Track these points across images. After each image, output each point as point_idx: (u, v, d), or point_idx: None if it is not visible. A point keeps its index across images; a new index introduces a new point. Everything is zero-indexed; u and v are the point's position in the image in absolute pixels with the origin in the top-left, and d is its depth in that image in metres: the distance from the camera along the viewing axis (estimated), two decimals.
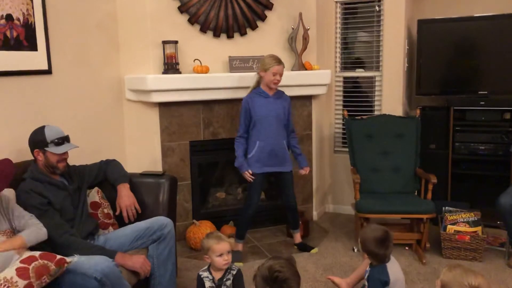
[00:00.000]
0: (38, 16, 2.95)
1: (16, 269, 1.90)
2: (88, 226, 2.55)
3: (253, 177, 3.33)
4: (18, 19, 2.83)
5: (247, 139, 3.38)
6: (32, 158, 2.50)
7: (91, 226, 2.57)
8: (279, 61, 3.26)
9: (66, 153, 2.50)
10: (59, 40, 3.12)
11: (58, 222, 2.33)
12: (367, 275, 2.43)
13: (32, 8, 2.90)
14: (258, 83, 3.38)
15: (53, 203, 2.39)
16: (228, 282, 2.35)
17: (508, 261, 3.30)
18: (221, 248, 2.32)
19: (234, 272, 2.37)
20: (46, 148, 2.43)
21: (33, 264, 1.95)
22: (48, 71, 3.05)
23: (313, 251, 3.58)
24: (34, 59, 2.95)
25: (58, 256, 2.05)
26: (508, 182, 3.82)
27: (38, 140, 2.45)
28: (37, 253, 2.02)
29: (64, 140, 2.49)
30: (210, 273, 2.38)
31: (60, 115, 3.15)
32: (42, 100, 3.02)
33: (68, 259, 2.09)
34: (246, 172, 3.33)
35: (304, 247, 3.62)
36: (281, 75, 3.29)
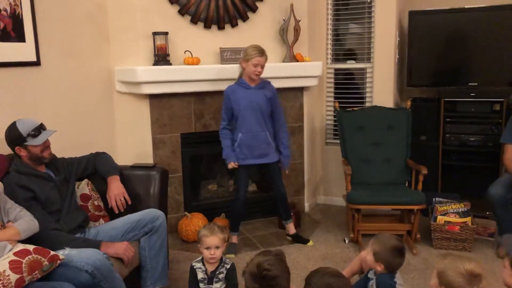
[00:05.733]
0: (26, 7, 2.90)
1: (9, 262, 1.88)
2: (76, 218, 2.53)
3: (236, 167, 3.33)
4: (5, 10, 2.78)
5: (231, 130, 3.38)
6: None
7: (80, 218, 2.55)
8: (261, 53, 3.21)
9: (47, 140, 2.47)
10: (47, 31, 3.08)
11: (41, 217, 2.29)
12: (371, 282, 2.39)
13: None
14: (241, 73, 3.35)
15: (37, 194, 2.36)
16: (221, 275, 2.35)
17: (497, 251, 3.33)
18: (209, 241, 2.31)
19: (228, 266, 2.37)
20: (25, 143, 2.40)
21: (26, 259, 1.93)
22: (37, 63, 3.01)
23: (309, 244, 3.59)
24: (22, 51, 2.90)
25: (52, 252, 2.04)
26: (498, 173, 3.85)
27: (14, 137, 2.41)
28: (31, 247, 2.00)
29: (40, 129, 2.45)
30: (203, 265, 2.37)
31: (49, 107, 3.11)
32: (30, 92, 2.99)
33: (60, 255, 2.07)
34: (231, 163, 3.34)
35: (298, 239, 3.62)
36: (262, 66, 3.24)
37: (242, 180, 3.41)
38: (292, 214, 3.76)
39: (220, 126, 3.40)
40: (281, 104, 3.98)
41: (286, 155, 3.44)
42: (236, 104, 3.28)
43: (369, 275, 2.35)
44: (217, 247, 2.32)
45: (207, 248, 2.31)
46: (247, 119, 3.29)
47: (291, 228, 3.64)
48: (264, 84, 3.36)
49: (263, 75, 3.73)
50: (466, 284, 1.79)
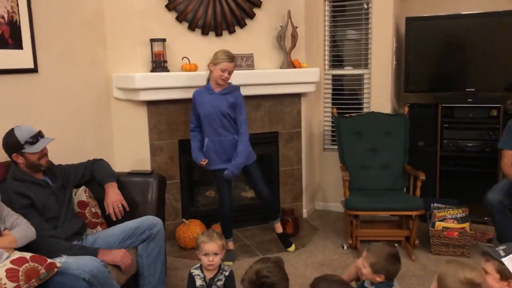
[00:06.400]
0: (23, 14, 2.90)
1: (6, 270, 1.87)
2: (73, 225, 2.52)
3: (205, 162, 3.29)
4: (3, 17, 2.78)
5: (200, 131, 3.36)
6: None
7: (77, 225, 2.54)
8: (231, 58, 3.16)
9: (45, 148, 2.47)
10: (45, 38, 3.08)
11: (38, 225, 2.27)
12: None
13: (17, 5, 2.86)
14: (209, 77, 3.29)
15: (35, 201, 2.36)
16: (220, 283, 2.33)
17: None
18: (207, 248, 2.30)
19: (227, 274, 2.36)
20: (23, 150, 2.40)
21: (23, 267, 1.92)
22: (34, 70, 3.01)
23: (289, 249, 3.57)
24: (19, 58, 2.90)
25: (49, 260, 2.02)
26: (495, 178, 3.86)
27: (12, 144, 2.40)
28: (28, 255, 1.99)
29: (37, 136, 2.45)
30: (202, 272, 2.36)
31: (46, 114, 3.11)
32: (28, 99, 2.98)
33: (57, 263, 2.06)
34: (201, 162, 3.30)
35: (283, 240, 3.59)
36: (230, 72, 3.18)
37: (224, 186, 3.35)
38: (290, 220, 3.77)
39: (190, 128, 3.39)
40: (279, 111, 4.01)
41: (233, 164, 3.25)
42: (200, 109, 3.25)
43: (365, 284, 2.34)
44: (216, 254, 2.31)
45: (206, 254, 2.30)
46: (211, 124, 3.25)
47: (278, 227, 3.59)
48: (231, 90, 3.26)
49: (260, 81, 3.74)
50: None
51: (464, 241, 3.36)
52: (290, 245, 3.59)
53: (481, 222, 3.84)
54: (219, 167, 3.32)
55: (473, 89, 4.01)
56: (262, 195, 3.45)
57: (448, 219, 3.44)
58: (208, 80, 3.30)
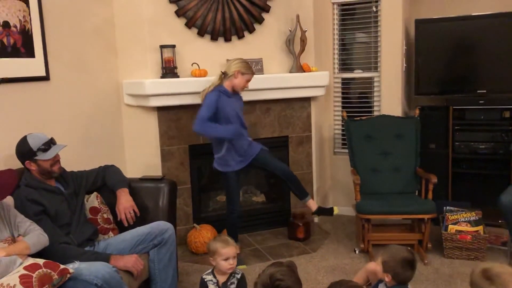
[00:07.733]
0: (35, 23, 2.95)
1: (20, 276, 1.89)
2: (86, 231, 2.54)
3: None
4: (15, 26, 2.82)
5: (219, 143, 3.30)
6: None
7: (89, 231, 2.56)
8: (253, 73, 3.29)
9: (57, 155, 2.50)
10: (56, 46, 3.12)
11: (50, 231, 2.30)
12: None
13: (29, 14, 2.90)
14: (221, 81, 3.25)
15: (47, 208, 2.38)
16: (232, 286, 2.34)
17: (510, 260, 3.29)
18: (227, 252, 2.31)
19: (239, 277, 2.37)
20: (35, 158, 2.43)
21: (36, 273, 1.94)
22: (46, 78, 3.05)
23: (335, 212, 3.45)
24: (31, 66, 2.94)
25: (62, 266, 2.04)
26: (509, 180, 3.81)
27: (25, 151, 2.44)
28: (41, 261, 2.01)
29: (50, 143, 2.48)
30: (214, 277, 2.37)
31: (58, 121, 3.14)
32: (40, 106, 3.02)
33: (70, 269, 2.08)
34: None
35: (323, 212, 3.50)
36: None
37: (235, 189, 3.33)
38: (301, 224, 3.76)
39: (200, 120, 3.09)
40: (289, 115, 4.04)
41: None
42: (224, 111, 3.16)
43: (379, 287, 2.32)
44: (234, 257, 2.34)
45: (226, 259, 2.31)
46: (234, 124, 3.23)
47: (312, 205, 3.47)
48: (237, 93, 3.33)
49: (269, 85, 3.76)
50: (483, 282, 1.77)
51: (478, 244, 3.32)
52: (332, 210, 3.44)
53: (495, 225, 3.79)
54: (241, 166, 3.30)
55: (485, 91, 3.97)
56: (283, 172, 3.37)
57: (461, 222, 3.40)
58: (219, 84, 3.25)
